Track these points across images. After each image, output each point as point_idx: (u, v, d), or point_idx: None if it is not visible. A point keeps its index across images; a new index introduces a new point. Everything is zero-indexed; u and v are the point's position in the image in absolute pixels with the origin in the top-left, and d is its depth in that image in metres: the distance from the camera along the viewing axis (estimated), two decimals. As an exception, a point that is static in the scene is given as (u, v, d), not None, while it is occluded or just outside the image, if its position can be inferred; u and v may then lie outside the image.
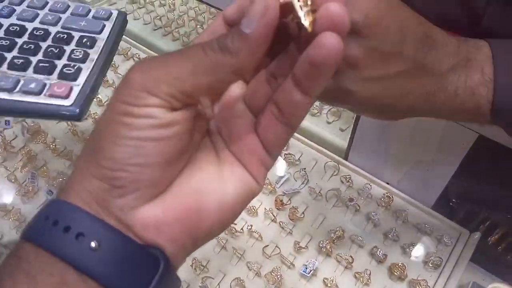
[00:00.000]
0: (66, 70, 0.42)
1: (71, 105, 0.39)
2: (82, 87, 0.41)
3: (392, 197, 0.64)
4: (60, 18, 0.46)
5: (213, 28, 0.27)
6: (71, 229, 0.22)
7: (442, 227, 0.62)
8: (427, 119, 0.45)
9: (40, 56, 0.43)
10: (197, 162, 0.26)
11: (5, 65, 0.41)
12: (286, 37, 0.24)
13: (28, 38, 0.44)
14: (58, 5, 0.47)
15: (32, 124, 0.71)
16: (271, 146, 0.26)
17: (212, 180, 0.25)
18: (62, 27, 0.46)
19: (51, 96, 0.40)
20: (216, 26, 0.26)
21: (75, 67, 0.42)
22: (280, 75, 0.25)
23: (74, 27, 0.46)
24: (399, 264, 0.56)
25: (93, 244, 0.22)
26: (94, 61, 0.43)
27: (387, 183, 0.66)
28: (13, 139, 0.70)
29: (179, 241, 0.24)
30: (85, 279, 0.21)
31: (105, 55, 0.44)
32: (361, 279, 0.56)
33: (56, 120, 0.45)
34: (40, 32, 0.44)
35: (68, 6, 0.48)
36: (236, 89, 0.27)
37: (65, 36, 0.44)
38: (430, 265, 0.57)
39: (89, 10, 0.48)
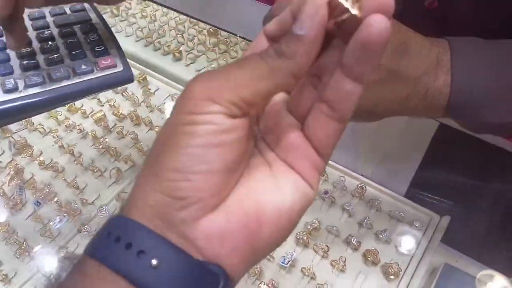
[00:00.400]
0: (98, 48, 0.50)
1: (123, 70, 0.48)
2: (119, 56, 0.49)
3: (365, 187, 0.66)
4: (47, 22, 0.53)
5: (254, 45, 0.28)
6: (133, 246, 0.22)
7: (414, 213, 0.64)
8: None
9: (64, 49, 0.50)
10: (251, 171, 0.26)
11: (43, 65, 0.48)
12: (326, 38, 0.25)
13: (40, 42, 0.50)
14: (36, 14, 0.52)
15: (18, 139, 0.74)
16: (322, 147, 0.26)
17: (268, 188, 0.26)
18: (57, 26, 0.53)
19: (103, 69, 0.48)
20: (257, 43, 0.27)
21: (102, 45, 0.50)
22: (324, 74, 0.26)
23: (67, 23, 0.53)
24: (372, 250, 0.59)
25: (154, 261, 0.22)
26: (108, 37, 0.52)
27: (362, 175, 0.69)
28: (1, 155, 0.73)
29: (241, 251, 0.24)
30: None
31: (109, 31, 0.53)
32: (336, 266, 0.58)
33: (115, 87, 0.53)
34: (46, 34, 0.51)
35: (43, 13, 0.53)
36: (278, 97, 0.28)
37: (69, 29, 0.52)
38: (400, 246, 0.60)
39: (63, 8, 0.55)
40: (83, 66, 0.47)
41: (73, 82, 0.46)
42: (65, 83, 0.46)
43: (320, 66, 0.26)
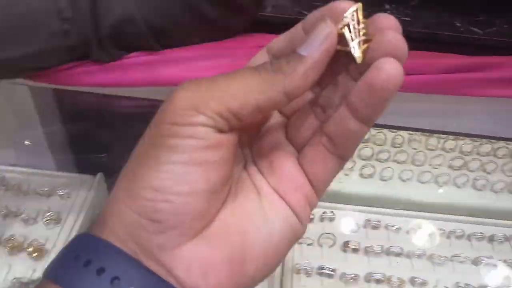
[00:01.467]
0: None
1: None
2: None
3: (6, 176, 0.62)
4: None
5: (253, 61, 0.25)
6: (105, 271, 0.19)
7: (66, 182, 0.62)
8: None
9: None
10: (238, 197, 0.24)
11: None
12: (336, 68, 0.23)
13: None
14: None
15: None
16: (319, 181, 0.24)
17: (256, 218, 0.23)
18: None
19: None
20: (257, 59, 0.25)
21: None
22: (329, 106, 0.24)
23: None
24: (16, 238, 0.55)
25: None
26: None
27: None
28: None
29: None
30: None
31: None
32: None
33: None
34: None
35: None
36: (276, 119, 0.26)
37: None
38: (47, 222, 0.57)
39: None
40: None
41: None
42: None
43: (325, 97, 0.24)
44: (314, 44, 0.21)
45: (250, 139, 0.26)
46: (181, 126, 0.21)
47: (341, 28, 0.22)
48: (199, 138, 0.21)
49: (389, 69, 0.20)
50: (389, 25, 0.21)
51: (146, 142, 0.22)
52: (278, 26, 0.28)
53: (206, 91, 0.21)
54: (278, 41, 0.25)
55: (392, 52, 0.21)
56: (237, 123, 0.22)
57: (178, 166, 0.20)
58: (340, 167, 0.24)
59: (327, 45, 0.21)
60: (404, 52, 0.21)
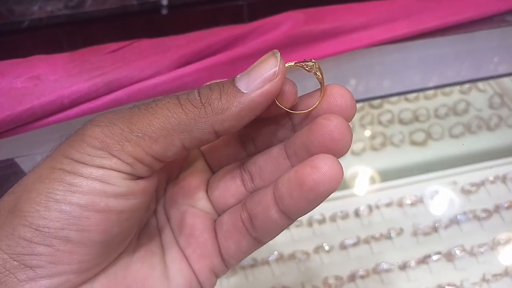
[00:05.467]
0: None
1: None
2: None
3: None
4: None
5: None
6: None
7: None
8: None
9: None
10: (139, 249, 0.21)
11: None
12: (275, 130, 0.21)
13: None
14: None
15: None
16: (229, 255, 0.21)
17: (153, 278, 0.20)
18: None
19: None
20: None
21: None
22: (258, 179, 0.21)
23: None
24: None
25: None
26: None
27: None
28: None
29: None
30: None
31: None
32: None
33: None
34: None
35: None
36: (200, 164, 0.23)
37: None
38: None
39: None
40: None
41: None
42: None
43: (256, 165, 0.21)
44: (257, 81, 0.18)
45: (168, 177, 0.23)
46: (86, 166, 0.18)
47: (292, 66, 0.20)
48: (107, 183, 0.18)
49: (326, 170, 0.18)
50: (341, 93, 0.20)
51: (43, 170, 0.18)
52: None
53: (123, 129, 0.18)
54: None
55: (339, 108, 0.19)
56: (157, 166, 0.19)
57: (72, 208, 0.17)
58: (254, 248, 0.22)
59: (273, 86, 0.18)
60: (348, 140, 0.19)
